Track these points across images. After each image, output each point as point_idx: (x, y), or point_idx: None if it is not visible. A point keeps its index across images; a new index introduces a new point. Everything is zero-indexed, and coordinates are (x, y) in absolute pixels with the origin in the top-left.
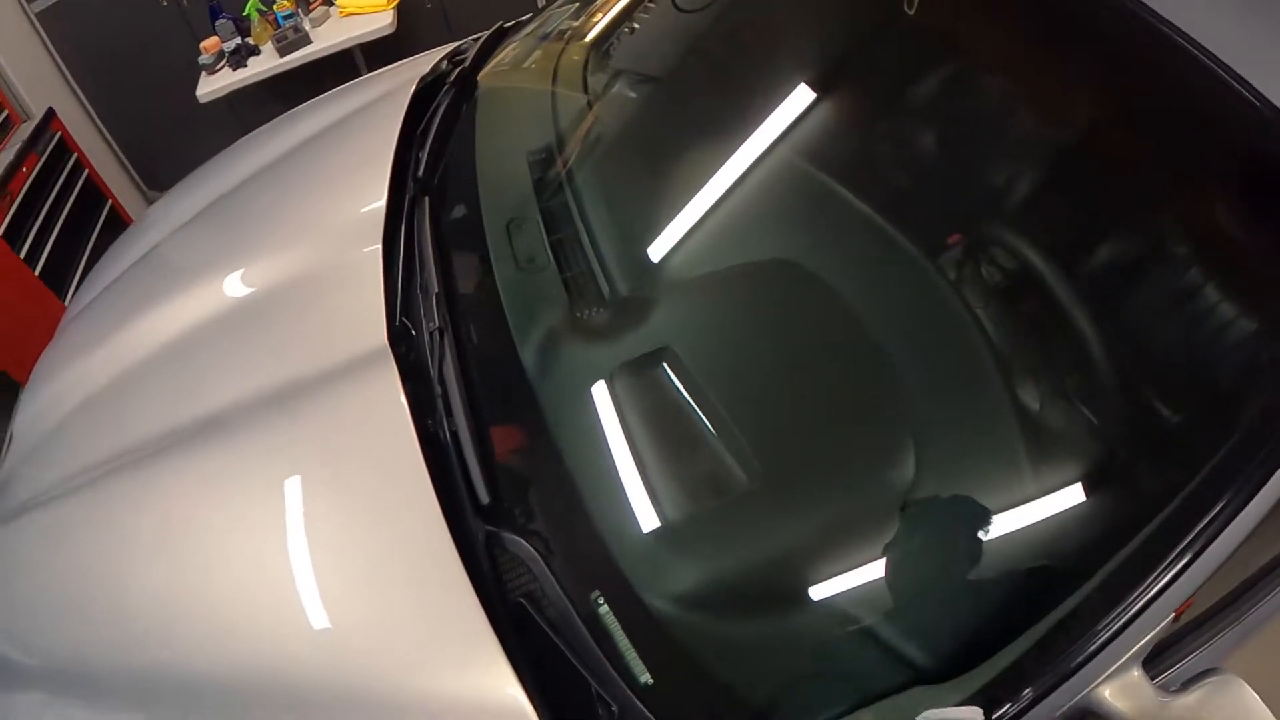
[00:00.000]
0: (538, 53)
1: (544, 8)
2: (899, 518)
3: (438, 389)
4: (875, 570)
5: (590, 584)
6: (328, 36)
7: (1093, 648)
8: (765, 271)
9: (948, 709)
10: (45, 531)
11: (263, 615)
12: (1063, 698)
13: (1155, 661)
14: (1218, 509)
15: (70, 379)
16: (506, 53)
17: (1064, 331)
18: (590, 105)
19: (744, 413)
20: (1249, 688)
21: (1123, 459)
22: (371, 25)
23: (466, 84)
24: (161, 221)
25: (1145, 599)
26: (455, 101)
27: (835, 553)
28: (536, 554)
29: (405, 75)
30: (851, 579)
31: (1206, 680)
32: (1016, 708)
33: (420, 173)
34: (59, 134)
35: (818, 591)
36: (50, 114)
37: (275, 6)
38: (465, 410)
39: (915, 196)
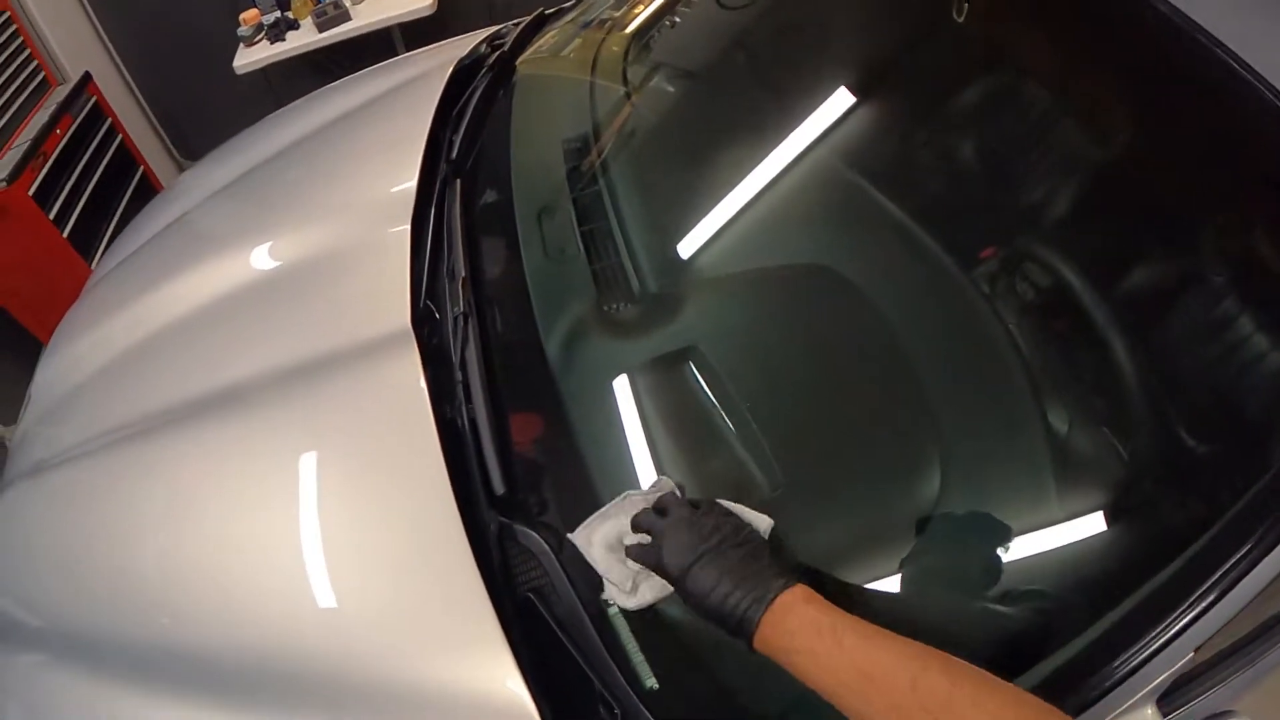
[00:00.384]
0: (578, 41)
1: None
2: (920, 533)
3: (458, 375)
4: (891, 585)
5: (601, 583)
6: (367, 14)
7: (1108, 683)
8: (798, 275)
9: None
10: (58, 493)
11: (267, 593)
12: None
13: (1168, 699)
14: (1248, 546)
15: (91, 342)
16: (546, 39)
17: (1097, 354)
18: (629, 97)
19: (769, 418)
20: None
21: (1152, 489)
22: (412, 5)
23: (505, 68)
24: (192, 190)
25: (1166, 636)
26: (492, 85)
27: (853, 565)
28: (549, 549)
29: (443, 57)
30: (867, 593)
31: None
32: None
33: (453, 155)
34: (94, 98)
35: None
36: (86, 78)
37: None
38: (485, 398)
39: (953, 208)
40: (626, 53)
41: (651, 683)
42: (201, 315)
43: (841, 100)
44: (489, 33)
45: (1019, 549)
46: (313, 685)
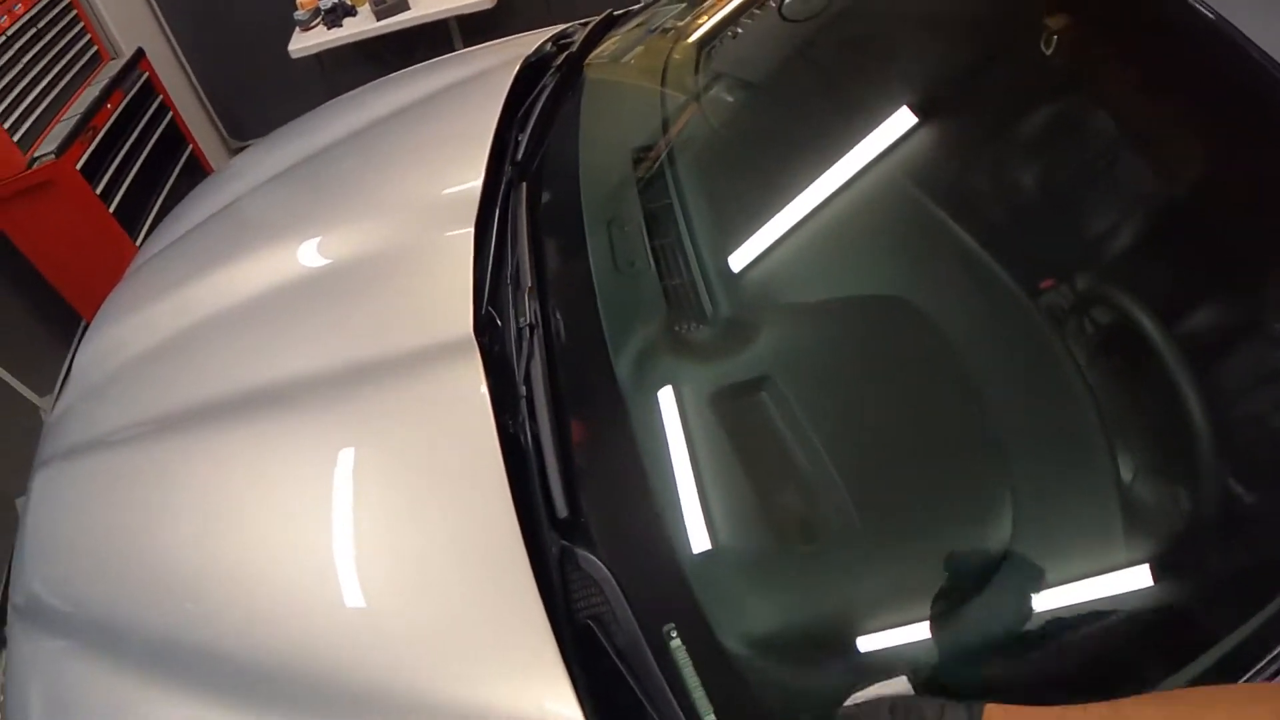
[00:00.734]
0: (651, 46)
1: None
2: (991, 578)
3: (522, 389)
4: (960, 631)
5: (664, 615)
6: (426, 5)
7: None
8: (872, 307)
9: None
10: (94, 478)
11: (306, 602)
12: None
13: None
14: None
15: (135, 325)
16: (616, 42)
17: (1175, 404)
18: (705, 110)
19: (841, 453)
20: None
21: (1222, 553)
22: None
23: (573, 69)
24: (244, 174)
25: None
26: (560, 86)
27: (922, 609)
28: (611, 576)
29: (506, 54)
30: (935, 638)
31: None
32: None
33: (519, 156)
34: (146, 74)
35: (900, 649)
36: (139, 54)
37: None
38: (550, 415)
39: (1027, 242)
40: (698, 62)
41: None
42: (250, 307)
43: (919, 126)
44: (554, 31)
45: (1083, 603)
46: (351, 697)
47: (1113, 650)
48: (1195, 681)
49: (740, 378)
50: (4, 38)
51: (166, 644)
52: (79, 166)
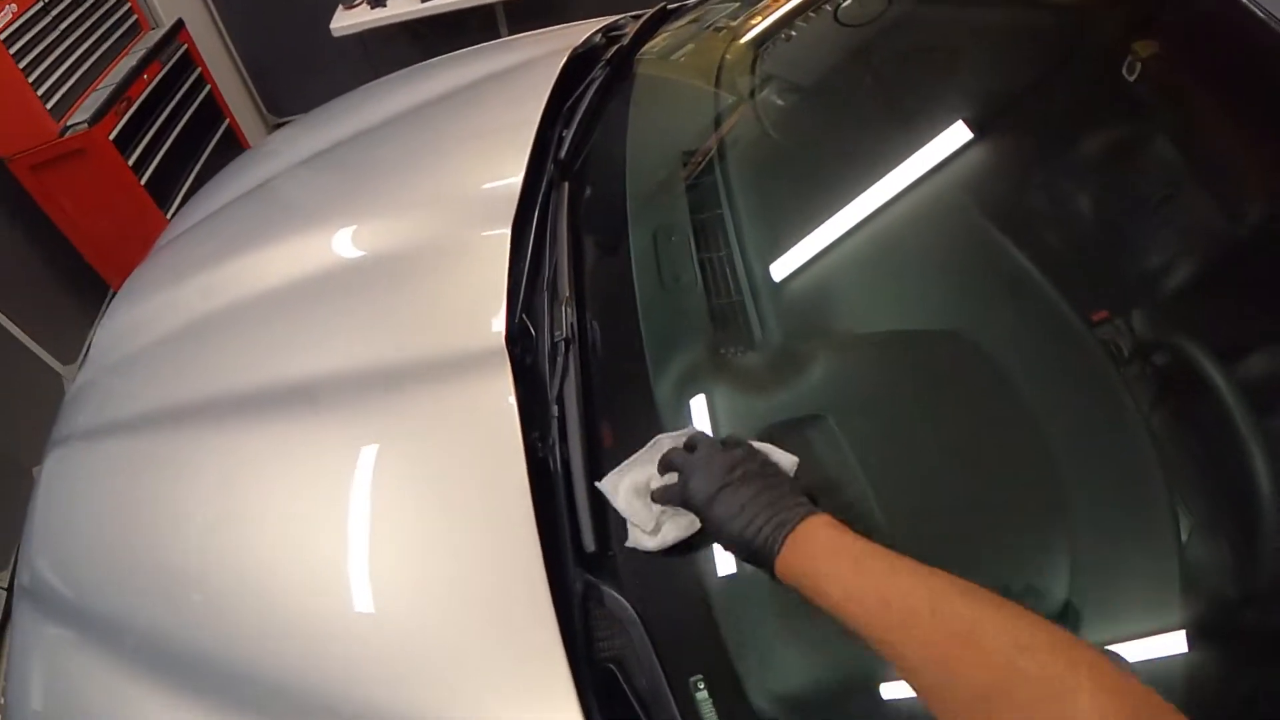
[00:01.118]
0: (704, 44)
1: None
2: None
3: (554, 409)
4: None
5: (692, 664)
6: None
7: None
8: (930, 343)
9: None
10: (107, 464)
11: (316, 615)
12: None
13: None
14: None
15: (160, 304)
16: (668, 38)
17: (1241, 459)
18: (761, 116)
19: (891, 498)
20: None
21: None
22: None
23: (623, 64)
24: (280, 153)
25: None
26: (609, 82)
27: None
28: (637, 618)
29: (554, 44)
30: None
31: None
32: None
33: (562, 154)
34: (185, 46)
35: None
36: (179, 25)
37: None
38: (582, 441)
39: (1099, 282)
40: (755, 65)
41: None
42: (277, 297)
43: (987, 147)
44: (605, 22)
45: (1139, 654)
46: (353, 715)
47: None
48: None
49: (787, 413)
50: (42, 3)
51: (169, 645)
52: (112, 137)
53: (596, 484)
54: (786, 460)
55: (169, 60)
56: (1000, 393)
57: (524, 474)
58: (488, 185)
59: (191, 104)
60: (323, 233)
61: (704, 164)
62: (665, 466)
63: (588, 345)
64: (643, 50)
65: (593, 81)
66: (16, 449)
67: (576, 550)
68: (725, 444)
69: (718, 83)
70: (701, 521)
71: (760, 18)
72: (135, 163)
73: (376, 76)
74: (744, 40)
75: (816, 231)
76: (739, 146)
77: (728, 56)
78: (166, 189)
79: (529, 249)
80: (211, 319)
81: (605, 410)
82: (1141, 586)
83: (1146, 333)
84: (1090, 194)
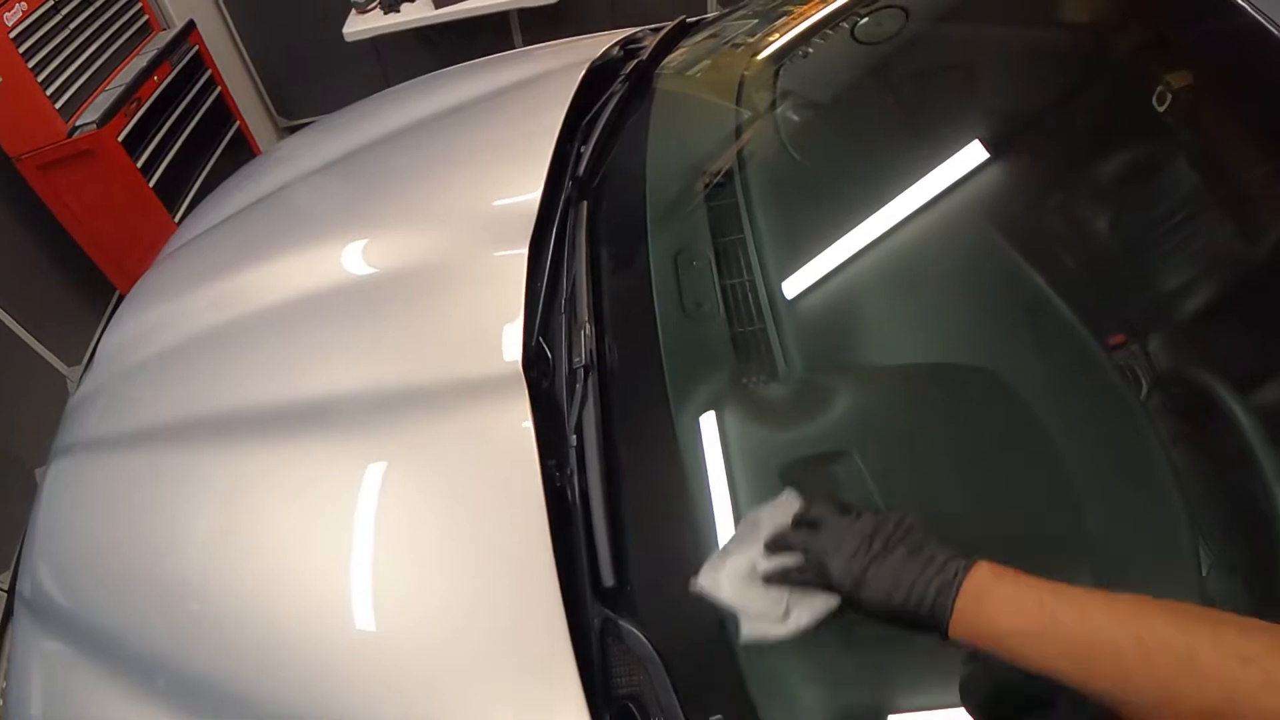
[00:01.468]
0: (726, 61)
1: (731, 10)
2: None
3: (572, 438)
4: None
5: (711, 704)
6: None
7: None
8: (958, 378)
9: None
10: (108, 479)
11: (320, 639)
12: None
13: None
14: None
15: (167, 313)
16: (688, 52)
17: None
18: (785, 138)
19: None
20: None
21: None
22: None
23: (642, 78)
24: (291, 161)
25: None
26: (628, 96)
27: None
28: (656, 655)
29: (571, 56)
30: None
31: None
32: None
33: (580, 171)
34: (196, 47)
35: None
36: (190, 25)
37: None
38: (601, 471)
39: (1132, 314)
40: (778, 83)
41: None
42: (288, 312)
43: (1010, 176)
44: (624, 35)
45: None
46: None
47: None
48: None
49: (811, 447)
50: (52, 2)
51: (167, 665)
52: (121, 138)
53: (694, 588)
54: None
55: (180, 61)
56: (1026, 427)
57: (541, 504)
58: (505, 201)
59: (202, 106)
60: (334, 247)
61: (727, 185)
62: (779, 547)
63: (606, 372)
64: (662, 65)
65: (612, 96)
66: (20, 450)
67: (595, 584)
68: (844, 508)
69: (738, 100)
70: (849, 602)
71: (779, 34)
72: (144, 164)
73: (388, 82)
74: (763, 56)
75: (840, 259)
76: (760, 168)
77: (747, 74)
78: (175, 191)
79: (546, 269)
80: (220, 332)
81: (625, 440)
82: None
83: (1174, 364)
84: (1116, 218)
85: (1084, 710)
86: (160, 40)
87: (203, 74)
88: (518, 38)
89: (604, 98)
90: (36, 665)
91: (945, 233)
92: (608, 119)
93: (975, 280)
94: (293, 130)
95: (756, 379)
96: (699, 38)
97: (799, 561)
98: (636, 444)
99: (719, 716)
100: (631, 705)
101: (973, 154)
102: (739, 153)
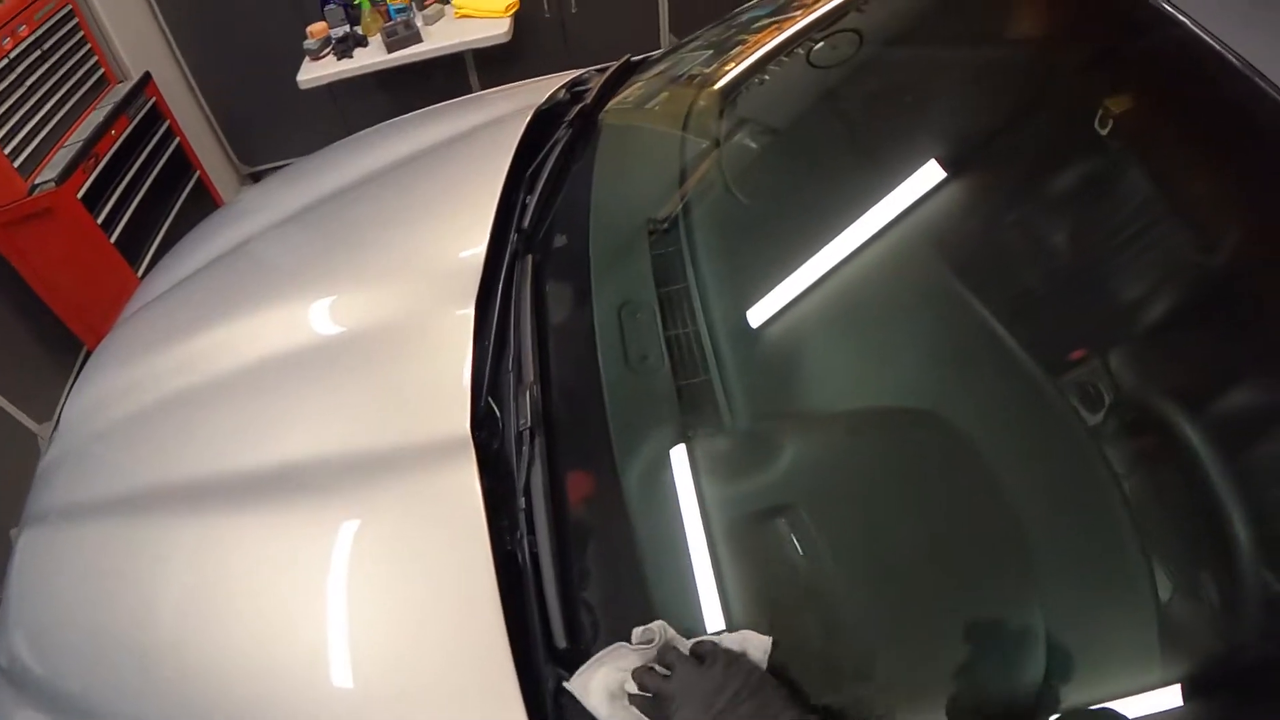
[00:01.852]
0: (673, 97)
1: (678, 46)
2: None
3: (521, 501)
4: None
5: None
6: (440, 37)
7: None
8: (904, 423)
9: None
10: (78, 551)
11: (285, 708)
12: None
13: None
14: None
15: (133, 377)
16: (634, 91)
17: (1217, 519)
18: (731, 183)
19: (868, 586)
20: None
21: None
22: (487, 31)
23: (586, 122)
24: (252, 213)
25: None
26: (572, 142)
27: None
28: None
29: (520, 100)
30: None
31: None
32: None
33: (524, 223)
34: (153, 99)
35: None
36: (146, 78)
37: None
38: (550, 533)
39: (1071, 347)
40: (722, 125)
41: None
42: (250, 376)
43: (960, 216)
44: (570, 77)
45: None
46: None
47: None
48: None
49: (761, 502)
50: (6, 60)
51: None
52: (80, 196)
53: (565, 684)
54: (758, 649)
55: (137, 114)
56: (972, 469)
57: (491, 569)
58: (456, 255)
59: (161, 157)
60: (294, 307)
61: (668, 233)
62: (641, 686)
63: (553, 433)
64: (607, 106)
65: (556, 143)
66: None
67: (548, 647)
68: (699, 655)
69: (683, 141)
70: None
71: (726, 68)
72: (104, 220)
73: (347, 124)
74: (712, 90)
75: (783, 302)
76: (703, 214)
77: (695, 110)
78: (137, 245)
79: (493, 328)
80: (184, 397)
81: (574, 500)
82: (1123, 651)
83: (1123, 394)
84: (1062, 245)
85: None
86: (117, 93)
87: (161, 125)
88: (473, 76)
89: (548, 145)
90: None
91: (890, 272)
92: (551, 167)
93: (921, 319)
94: (255, 177)
95: (701, 432)
96: (646, 75)
97: (652, 702)
98: (584, 505)
99: None
100: None
101: (915, 188)
102: (682, 198)
